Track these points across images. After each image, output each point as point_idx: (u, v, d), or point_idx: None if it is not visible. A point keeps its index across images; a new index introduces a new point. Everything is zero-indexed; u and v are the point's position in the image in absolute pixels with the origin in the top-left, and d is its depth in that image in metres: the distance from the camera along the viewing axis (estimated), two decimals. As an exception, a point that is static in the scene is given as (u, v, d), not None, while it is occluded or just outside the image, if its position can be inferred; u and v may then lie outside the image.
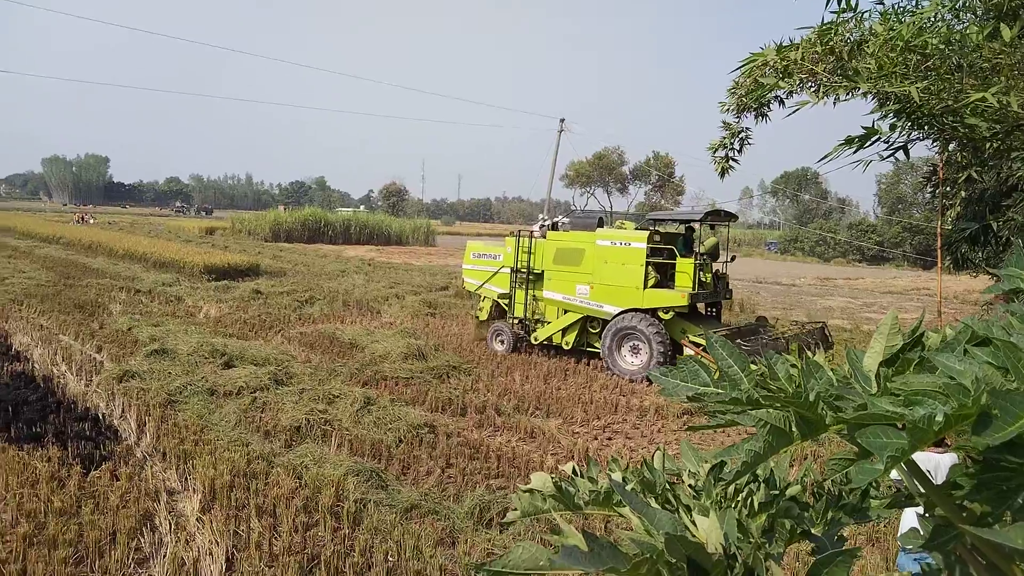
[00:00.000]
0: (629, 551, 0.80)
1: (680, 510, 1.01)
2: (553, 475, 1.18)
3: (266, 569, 5.56)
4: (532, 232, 15.29)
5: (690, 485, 1.18)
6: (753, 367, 1.08)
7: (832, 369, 1.06)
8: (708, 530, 0.87)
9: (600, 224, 14.78)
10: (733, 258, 15.32)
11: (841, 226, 77.27)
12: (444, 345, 14.85)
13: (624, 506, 1.07)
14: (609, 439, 9.65)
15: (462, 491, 7.36)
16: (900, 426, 0.79)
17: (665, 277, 13.51)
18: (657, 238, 13.79)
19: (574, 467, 1.21)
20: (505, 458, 8.39)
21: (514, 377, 12.56)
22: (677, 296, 12.77)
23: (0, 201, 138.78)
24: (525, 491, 1.16)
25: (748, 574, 0.77)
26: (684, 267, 12.92)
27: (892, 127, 5.16)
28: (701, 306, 14.83)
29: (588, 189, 75.41)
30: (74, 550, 5.72)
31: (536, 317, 15.01)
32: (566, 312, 14.39)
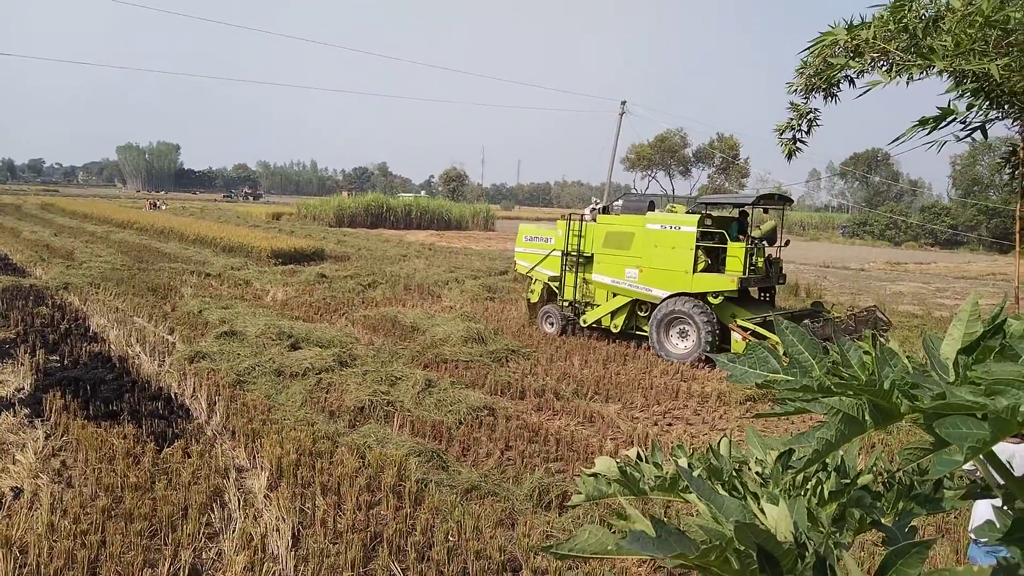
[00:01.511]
0: (697, 538, 0.80)
1: (747, 497, 1.00)
2: (617, 459, 1.18)
3: (330, 546, 5.70)
4: (583, 216, 15.38)
5: (757, 472, 1.17)
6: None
7: (907, 356, 1.03)
8: (778, 518, 0.86)
9: (651, 208, 14.76)
10: (787, 242, 15.11)
11: (913, 209, 74.71)
12: (503, 329, 14.93)
13: (690, 492, 1.06)
14: (669, 425, 9.57)
15: (521, 473, 7.40)
16: (980, 416, 0.77)
17: (716, 261, 13.49)
18: (708, 222, 13.74)
19: (639, 452, 1.21)
20: (564, 442, 8.41)
21: (573, 361, 12.56)
22: (727, 280, 12.73)
23: (78, 188, 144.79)
24: (590, 475, 1.16)
25: (819, 563, 0.75)
26: (735, 251, 12.89)
27: (969, 106, 4.94)
28: (755, 291, 14.75)
29: (649, 172, 74.58)
30: (149, 524, 5.93)
31: (586, 300, 15.07)
32: (615, 295, 14.41)
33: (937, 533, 6.50)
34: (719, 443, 1.24)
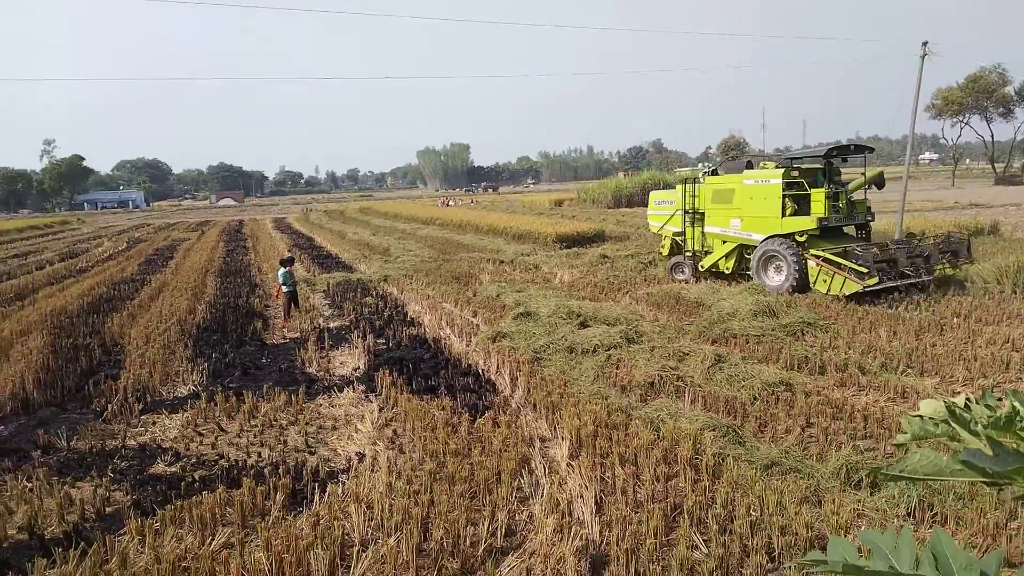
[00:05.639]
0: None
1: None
2: (945, 401, 1.14)
3: (632, 514, 5.89)
4: (697, 179, 18.27)
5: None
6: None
7: None
8: None
9: (749, 167, 17.13)
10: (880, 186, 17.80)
11: None
12: (796, 301, 14.17)
13: (1031, 431, 1.01)
14: (999, 399, 8.47)
15: (825, 451, 7.05)
16: None
17: (804, 206, 15.61)
18: (795, 174, 15.94)
19: (967, 396, 1.16)
20: (873, 419, 7.82)
21: (879, 333, 11.58)
22: (808, 221, 15.20)
23: (387, 192, 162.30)
24: (915, 416, 1.14)
25: None
26: (816, 196, 15.30)
27: None
28: (852, 230, 16.69)
29: (961, 118, 65.95)
30: (468, 486, 6.57)
31: (705, 249, 17.79)
32: (724, 243, 17.16)
33: None
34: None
